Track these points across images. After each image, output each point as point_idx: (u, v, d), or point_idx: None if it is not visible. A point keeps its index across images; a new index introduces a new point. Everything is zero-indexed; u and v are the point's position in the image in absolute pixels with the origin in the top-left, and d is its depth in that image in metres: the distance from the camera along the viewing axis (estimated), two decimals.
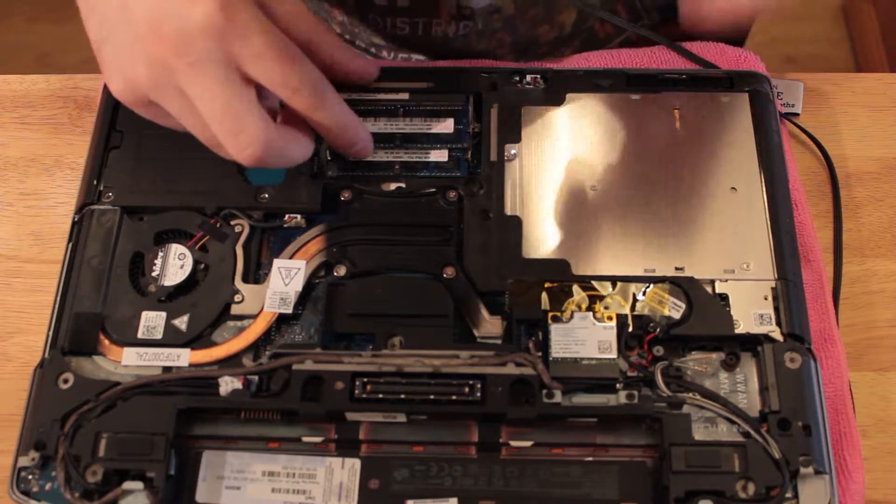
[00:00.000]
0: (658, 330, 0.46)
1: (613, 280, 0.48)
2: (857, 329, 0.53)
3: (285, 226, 0.50)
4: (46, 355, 0.47)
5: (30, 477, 0.44)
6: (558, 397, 0.45)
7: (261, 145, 0.44)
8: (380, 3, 0.60)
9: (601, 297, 0.48)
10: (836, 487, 0.43)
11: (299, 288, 0.48)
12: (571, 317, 0.47)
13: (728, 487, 0.43)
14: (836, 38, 1.65)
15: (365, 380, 0.45)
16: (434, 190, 0.51)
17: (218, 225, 0.50)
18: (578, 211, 0.51)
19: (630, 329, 0.47)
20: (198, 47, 0.43)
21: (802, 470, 0.43)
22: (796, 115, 0.60)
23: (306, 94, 0.46)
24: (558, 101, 0.54)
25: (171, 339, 0.47)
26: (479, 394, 0.45)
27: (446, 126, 0.53)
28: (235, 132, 0.44)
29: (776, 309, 0.47)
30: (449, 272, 0.49)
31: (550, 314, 0.47)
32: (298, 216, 0.50)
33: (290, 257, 0.49)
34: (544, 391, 0.45)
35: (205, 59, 0.43)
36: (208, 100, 0.43)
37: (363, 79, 0.53)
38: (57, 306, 0.48)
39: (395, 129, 0.53)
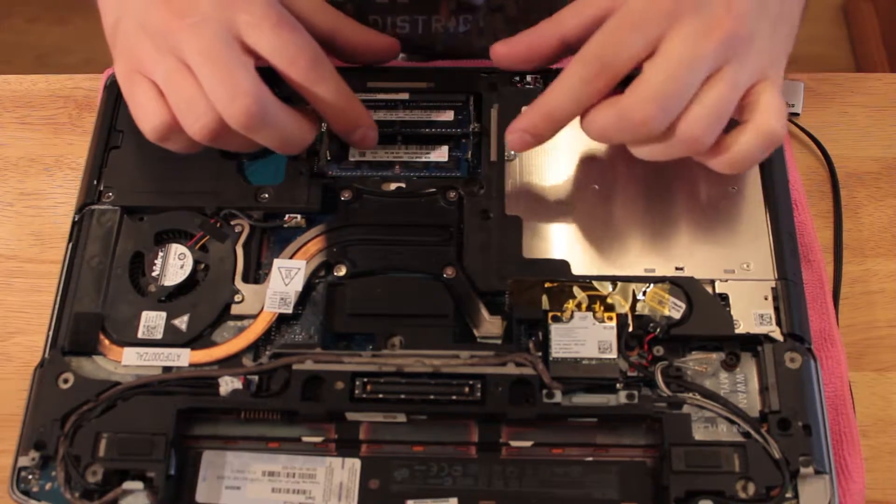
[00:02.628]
0: (658, 330, 0.46)
1: (613, 280, 0.48)
2: (857, 329, 0.53)
3: (285, 226, 0.50)
4: (46, 355, 0.47)
5: (30, 477, 0.44)
6: (558, 397, 0.45)
7: (252, 97, 0.44)
8: (380, 2, 0.60)
9: (601, 297, 0.48)
10: (836, 487, 0.43)
11: (299, 288, 0.48)
12: (571, 317, 0.47)
13: (728, 487, 0.43)
14: (836, 38, 1.65)
15: (365, 380, 0.45)
16: (434, 190, 0.51)
17: (218, 225, 0.50)
18: (578, 211, 0.51)
19: (630, 329, 0.47)
20: (201, 9, 0.45)
21: (802, 470, 0.43)
22: (796, 115, 0.60)
23: (302, 66, 0.47)
24: None
25: (171, 339, 0.47)
26: (479, 394, 0.45)
27: (446, 116, 0.53)
28: (228, 82, 0.44)
29: (776, 309, 0.47)
30: (449, 272, 0.49)
31: (550, 314, 0.47)
32: (298, 216, 0.50)
33: (290, 257, 0.49)
34: (544, 391, 0.45)
35: (207, 20, 0.45)
36: (205, 56, 0.45)
37: (390, 54, 0.55)
38: (57, 306, 0.48)
39: (395, 119, 0.53)
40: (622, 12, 0.46)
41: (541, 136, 0.48)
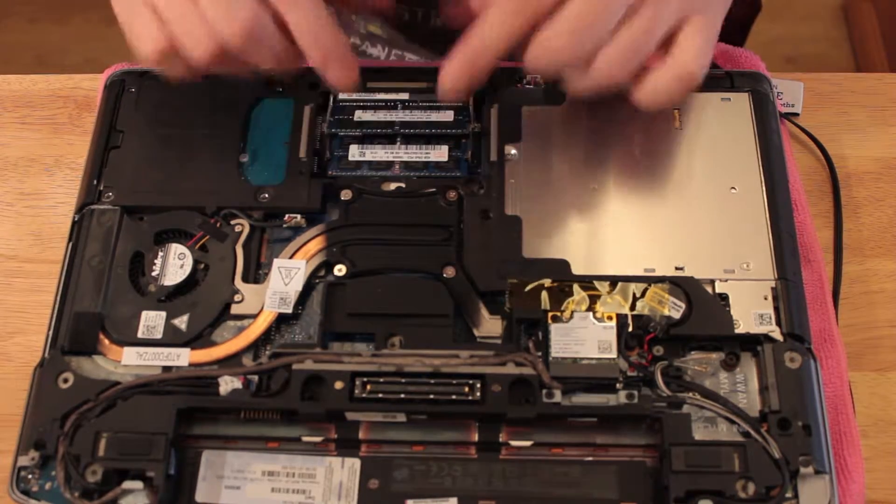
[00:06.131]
0: (658, 330, 0.46)
1: (613, 280, 0.48)
2: (857, 329, 0.53)
3: (285, 226, 0.50)
4: (46, 355, 0.47)
5: (30, 476, 0.44)
6: (558, 397, 0.45)
7: (251, 12, 0.45)
8: None
9: (601, 297, 0.48)
10: (836, 487, 0.43)
11: (299, 288, 0.48)
12: (571, 317, 0.47)
13: (728, 487, 0.43)
14: (836, 38, 1.65)
15: (365, 379, 0.45)
16: (434, 190, 0.51)
17: (218, 225, 0.50)
18: (578, 211, 0.51)
19: (630, 329, 0.47)
20: None
21: (802, 470, 0.43)
22: (796, 115, 0.60)
23: None
24: (559, 101, 0.54)
25: (171, 338, 0.47)
26: (478, 393, 0.45)
27: (446, 116, 0.53)
28: (225, 6, 0.45)
29: (776, 309, 0.47)
30: (449, 272, 0.49)
31: (550, 314, 0.47)
32: (298, 216, 0.50)
33: (290, 257, 0.49)
34: (544, 391, 0.45)
35: None
36: None
37: (383, 7, 0.55)
38: (57, 306, 0.48)
39: (395, 119, 0.53)
40: None
41: (478, 75, 0.47)
